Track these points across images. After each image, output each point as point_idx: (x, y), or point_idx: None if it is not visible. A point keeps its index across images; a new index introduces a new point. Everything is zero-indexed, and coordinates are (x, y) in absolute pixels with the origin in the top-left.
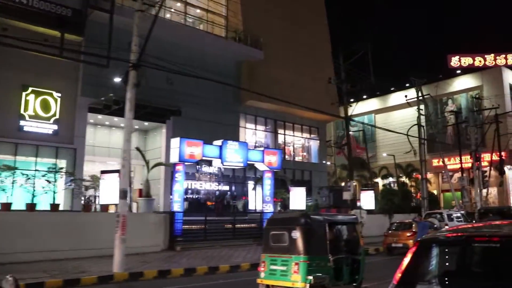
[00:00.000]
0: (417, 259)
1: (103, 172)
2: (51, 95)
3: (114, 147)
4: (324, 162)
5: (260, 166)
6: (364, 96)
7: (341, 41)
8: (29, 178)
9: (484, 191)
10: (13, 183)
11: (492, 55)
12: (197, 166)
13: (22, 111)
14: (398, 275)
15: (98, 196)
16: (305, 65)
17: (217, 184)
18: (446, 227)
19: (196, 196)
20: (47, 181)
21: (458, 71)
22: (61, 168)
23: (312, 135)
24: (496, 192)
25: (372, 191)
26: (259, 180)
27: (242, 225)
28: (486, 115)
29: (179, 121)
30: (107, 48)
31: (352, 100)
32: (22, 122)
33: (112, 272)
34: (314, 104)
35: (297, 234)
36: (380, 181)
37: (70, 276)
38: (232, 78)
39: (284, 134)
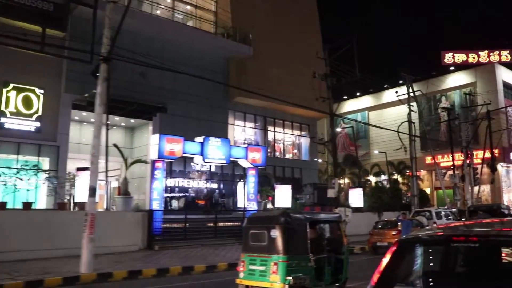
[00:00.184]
0: (396, 260)
1: (78, 169)
2: (33, 91)
3: (100, 145)
4: (315, 159)
5: (244, 163)
6: (358, 93)
7: (331, 36)
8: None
9: (476, 188)
10: None
11: (486, 51)
12: (192, 164)
13: (3, 108)
14: (376, 276)
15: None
16: (296, 61)
17: (205, 182)
18: (434, 225)
19: (184, 194)
20: (19, 178)
21: (452, 68)
22: (35, 165)
23: (302, 132)
24: (489, 189)
25: (361, 189)
26: (243, 178)
27: (225, 224)
28: (479, 111)
29: (166, 118)
30: (90, 44)
31: (345, 97)
32: (3, 119)
33: (79, 273)
34: (304, 100)
35: (276, 233)
36: (373, 179)
37: (33, 278)
38: (221, 74)
39: (274, 131)
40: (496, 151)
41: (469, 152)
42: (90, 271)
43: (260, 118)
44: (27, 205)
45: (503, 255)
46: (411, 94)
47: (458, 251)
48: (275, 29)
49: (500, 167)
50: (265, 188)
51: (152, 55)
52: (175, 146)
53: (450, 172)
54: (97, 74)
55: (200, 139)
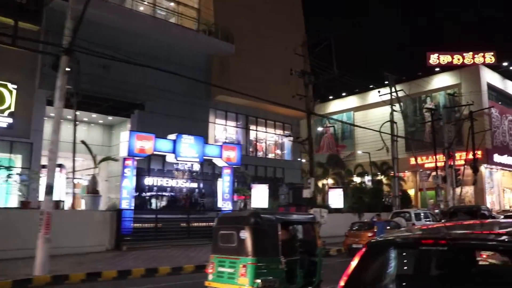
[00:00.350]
0: (366, 263)
1: (43, 166)
2: (5, 86)
3: (77, 142)
4: (299, 159)
5: (218, 162)
6: (343, 94)
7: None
8: None
9: (458, 190)
10: None
11: (471, 53)
12: (172, 163)
13: None
14: (343, 279)
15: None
16: (280, 60)
17: (184, 181)
18: (415, 227)
19: (161, 194)
20: None
21: (437, 69)
22: None
23: (285, 132)
24: (473, 191)
25: (341, 189)
26: (218, 177)
27: (199, 224)
28: (462, 111)
29: (145, 116)
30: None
31: (331, 97)
32: None
33: (32, 275)
34: (287, 99)
35: (245, 234)
36: (358, 179)
37: None
38: (202, 72)
39: (256, 131)
40: (479, 152)
41: (451, 153)
42: (45, 273)
43: (242, 116)
44: None
45: (480, 257)
46: (394, 94)
47: (432, 254)
48: (258, 27)
49: (484, 169)
50: (242, 188)
51: (134, 51)
52: (146, 144)
53: (434, 173)
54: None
55: (172, 136)
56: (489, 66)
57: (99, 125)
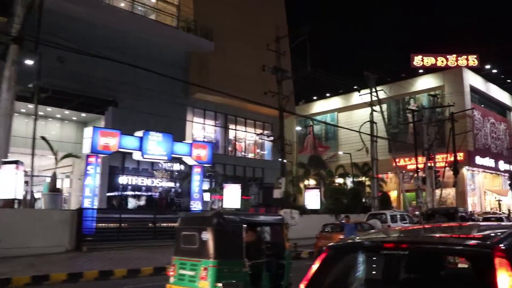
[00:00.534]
0: (327, 267)
1: (5, 162)
2: None
3: (51, 139)
4: (279, 159)
5: (188, 160)
6: (327, 94)
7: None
8: None
9: (439, 191)
10: None
11: (454, 55)
12: (160, 165)
13: None
14: (303, 283)
15: None
16: (260, 58)
17: (160, 180)
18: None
19: (137, 193)
20: None
21: (421, 71)
22: None
23: (266, 131)
24: (455, 193)
25: (318, 190)
26: (187, 176)
27: (167, 224)
28: (443, 113)
29: (119, 113)
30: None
31: (315, 98)
32: None
33: None
34: (268, 98)
35: (207, 236)
36: (341, 181)
37: None
38: (181, 69)
39: (236, 130)
40: (461, 155)
41: (431, 155)
42: None
43: (221, 115)
44: None
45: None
46: (374, 94)
47: (401, 258)
48: (239, 24)
49: (466, 171)
50: (214, 187)
51: (111, 47)
52: (110, 140)
53: (416, 175)
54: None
55: (139, 133)
56: (472, 68)
57: (73, 122)
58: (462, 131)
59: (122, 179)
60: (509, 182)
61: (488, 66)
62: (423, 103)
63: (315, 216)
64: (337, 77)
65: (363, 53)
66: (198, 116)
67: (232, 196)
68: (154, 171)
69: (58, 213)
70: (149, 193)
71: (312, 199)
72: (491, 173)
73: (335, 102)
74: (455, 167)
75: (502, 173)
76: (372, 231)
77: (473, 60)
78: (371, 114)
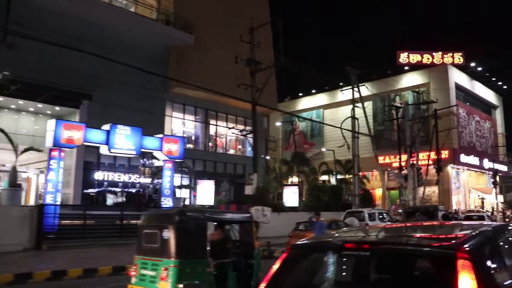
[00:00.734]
0: (288, 267)
1: None
2: None
3: (23, 134)
4: (262, 156)
5: (159, 155)
6: (313, 91)
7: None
8: None
9: (422, 189)
10: None
11: (440, 53)
12: (142, 161)
13: None
14: (263, 284)
15: None
16: (241, 52)
17: (138, 176)
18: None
19: (112, 189)
20: None
21: (407, 68)
22: None
23: (247, 127)
24: (439, 191)
25: (296, 187)
26: (158, 172)
27: (137, 221)
28: (427, 110)
29: (95, 107)
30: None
31: (301, 94)
32: None
33: None
34: (246, 93)
35: (168, 234)
36: (326, 178)
37: None
38: (159, 63)
39: (216, 125)
40: (446, 152)
41: (414, 152)
42: None
43: (202, 110)
44: None
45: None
46: (356, 90)
47: (371, 258)
48: (220, 17)
49: (450, 169)
50: (188, 184)
51: (89, 40)
52: (75, 134)
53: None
54: None
55: (106, 126)
56: (458, 66)
57: (47, 116)
58: (447, 128)
59: (98, 175)
60: (492, 180)
61: (473, 64)
62: (408, 100)
63: (294, 213)
64: (315, 71)
65: (350, 51)
66: (178, 111)
67: (206, 193)
68: (140, 167)
69: (16, 210)
70: (127, 190)
71: (291, 196)
72: (476, 171)
73: (321, 98)
74: (438, 164)
75: (487, 171)
76: (344, 229)
77: (458, 58)
78: (353, 110)
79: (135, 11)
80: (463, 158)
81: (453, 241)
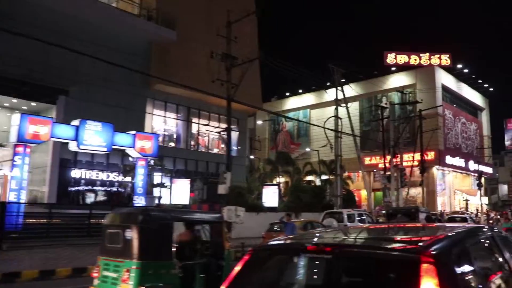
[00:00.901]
0: (249, 270)
1: None
2: None
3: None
4: (247, 155)
5: (131, 152)
6: (300, 91)
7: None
8: None
9: (405, 190)
10: None
11: (427, 54)
12: (130, 158)
13: None
14: (223, 285)
15: None
16: (224, 49)
17: (117, 174)
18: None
19: (89, 187)
20: None
21: (394, 69)
22: None
23: (231, 126)
24: (425, 192)
25: (276, 187)
26: (131, 170)
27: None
28: (413, 111)
29: (73, 103)
30: None
31: (288, 94)
32: None
33: None
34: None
35: (131, 234)
36: (312, 178)
37: None
38: (141, 59)
39: (199, 124)
40: (432, 153)
41: (396, 154)
42: None
43: (184, 108)
44: None
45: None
46: (340, 89)
47: (341, 261)
48: (203, 13)
49: (436, 170)
50: (161, 183)
51: (69, 34)
52: (41, 129)
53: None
54: None
55: (75, 122)
56: (445, 68)
57: (24, 112)
58: (431, 129)
59: (75, 173)
60: (477, 182)
61: (460, 66)
62: (395, 100)
63: (272, 214)
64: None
65: (337, 51)
66: (159, 108)
67: (181, 192)
68: (123, 166)
69: None
70: (105, 188)
71: (270, 196)
72: (461, 172)
73: (308, 98)
74: (422, 166)
75: (472, 173)
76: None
77: (446, 59)
78: (336, 109)
79: (116, 6)
80: (449, 159)
81: (419, 244)
